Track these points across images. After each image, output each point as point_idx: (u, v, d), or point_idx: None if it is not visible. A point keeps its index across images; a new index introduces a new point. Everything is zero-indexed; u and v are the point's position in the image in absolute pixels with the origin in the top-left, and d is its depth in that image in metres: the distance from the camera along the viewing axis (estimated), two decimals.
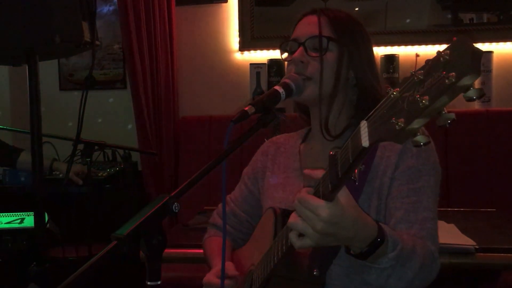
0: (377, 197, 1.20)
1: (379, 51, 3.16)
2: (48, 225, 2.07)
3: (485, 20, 3.22)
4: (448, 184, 2.87)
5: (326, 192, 0.89)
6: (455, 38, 0.67)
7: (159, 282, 0.91)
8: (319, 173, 0.93)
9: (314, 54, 1.24)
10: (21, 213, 2.77)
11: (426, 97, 0.67)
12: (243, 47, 3.38)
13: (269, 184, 1.38)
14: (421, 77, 0.70)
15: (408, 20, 3.27)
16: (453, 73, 0.64)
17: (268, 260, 1.14)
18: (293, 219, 0.94)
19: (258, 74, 3.32)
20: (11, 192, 3.15)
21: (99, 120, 3.55)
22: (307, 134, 1.40)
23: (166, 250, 0.91)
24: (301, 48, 1.25)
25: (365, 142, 0.78)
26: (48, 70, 3.49)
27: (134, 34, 3.13)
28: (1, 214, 2.77)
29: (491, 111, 3.02)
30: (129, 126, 3.37)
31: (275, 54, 3.26)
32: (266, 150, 1.44)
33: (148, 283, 0.91)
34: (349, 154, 0.82)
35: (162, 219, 0.90)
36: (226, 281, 1.24)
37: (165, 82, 3.29)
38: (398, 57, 3.13)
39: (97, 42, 1.75)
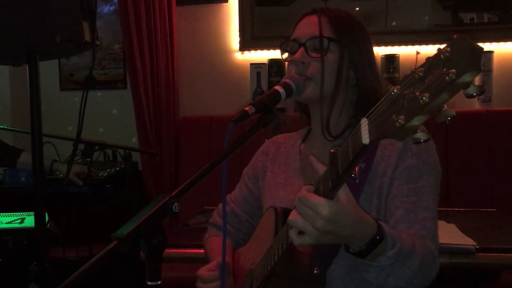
0: (377, 197, 1.20)
1: (380, 51, 3.16)
2: (48, 225, 2.07)
3: (485, 20, 3.22)
4: (448, 184, 2.86)
5: (327, 190, 0.90)
6: (455, 36, 0.67)
7: (159, 282, 0.91)
8: (323, 168, 0.93)
9: (315, 55, 1.24)
10: (21, 213, 2.78)
11: (426, 94, 0.67)
12: (244, 47, 3.38)
13: (270, 184, 1.38)
14: (422, 74, 0.70)
15: (408, 22, 3.26)
16: (453, 70, 0.64)
17: (268, 258, 1.14)
18: (293, 216, 0.95)
19: (258, 74, 3.32)
20: (12, 192, 3.15)
21: (100, 120, 3.55)
22: (307, 134, 1.40)
23: (167, 250, 0.91)
24: (301, 49, 1.25)
25: (365, 139, 0.78)
26: (49, 70, 3.49)
27: (134, 34, 3.13)
28: (2, 214, 2.77)
29: (492, 111, 3.02)
30: (130, 126, 3.37)
31: (276, 54, 3.26)
32: (266, 150, 1.44)
33: (148, 283, 0.91)
34: (349, 151, 0.83)
35: (162, 219, 0.90)
36: (214, 273, 1.24)
37: (165, 82, 3.29)
38: (399, 57, 3.12)
39: (98, 42, 1.75)
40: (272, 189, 1.36)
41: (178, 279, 2.26)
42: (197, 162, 3.06)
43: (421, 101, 0.68)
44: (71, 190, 2.84)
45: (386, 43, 3.20)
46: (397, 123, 0.71)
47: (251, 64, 3.35)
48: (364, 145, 0.78)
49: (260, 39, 3.34)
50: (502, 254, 1.79)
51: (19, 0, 1.56)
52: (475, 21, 3.23)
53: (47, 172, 2.71)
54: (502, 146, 2.91)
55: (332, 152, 0.89)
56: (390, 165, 1.20)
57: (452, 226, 1.99)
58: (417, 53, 0.79)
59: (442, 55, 0.67)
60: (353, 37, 1.26)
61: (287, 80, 1.19)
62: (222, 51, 3.43)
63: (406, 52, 3.19)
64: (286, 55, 1.30)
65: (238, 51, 3.40)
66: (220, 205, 1.53)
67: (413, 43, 3.18)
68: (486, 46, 3.12)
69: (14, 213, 2.78)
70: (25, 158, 2.64)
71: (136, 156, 3.31)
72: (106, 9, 3.56)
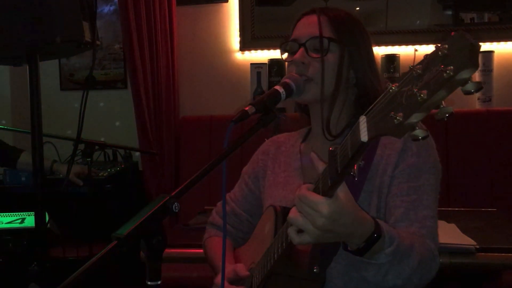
0: (377, 196, 1.20)
1: (380, 51, 3.16)
2: (48, 225, 2.07)
3: (486, 20, 3.22)
4: (448, 183, 2.86)
5: (326, 188, 0.90)
6: (453, 33, 0.67)
7: (159, 282, 0.91)
8: (322, 165, 0.93)
9: (315, 55, 1.24)
10: (21, 213, 2.78)
11: (424, 91, 0.68)
12: (244, 47, 3.38)
13: (270, 183, 1.38)
14: (420, 72, 0.70)
15: (408, 22, 3.26)
16: (451, 67, 0.65)
17: (268, 257, 1.14)
18: (293, 214, 0.95)
19: (258, 74, 3.32)
20: (12, 192, 3.15)
21: (100, 120, 3.55)
22: (307, 134, 1.40)
23: (167, 250, 0.91)
24: (301, 49, 1.25)
25: (364, 137, 0.78)
26: (49, 70, 3.50)
27: (134, 34, 3.13)
28: (2, 214, 2.77)
29: (492, 110, 3.02)
30: (130, 126, 3.37)
31: (276, 54, 3.26)
32: (267, 150, 1.44)
33: (148, 283, 0.91)
34: (348, 149, 0.83)
35: (162, 219, 0.91)
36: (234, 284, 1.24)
37: (165, 82, 3.29)
38: (399, 56, 3.12)
39: (98, 42, 1.75)
40: (272, 188, 1.36)
41: (178, 279, 2.26)
42: (197, 162, 3.06)
43: (419, 98, 0.68)
44: (71, 190, 2.84)
45: (386, 43, 3.19)
46: (395, 120, 0.71)
47: (251, 64, 3.35)
48: (363, 142, 0.79)
49: (260, 39, 3.34)
50: (503, 254, 1.79)
51: (19, 0, 1.56)
52: (476, 21, 3.23)
53: (47, 172, 2.71)
54: (503, 146, 2.91)
55: (331, 150, 0.89)
56: (390, 164, 1.20)
57: (453, 226, 1.99)
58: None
59: (440, 52, 0.67)
60: (353, 36, 1.26)
61: (287, 80, 1.19)
62: (222, 51, 3.43)
63: (406, 52, 3.19)
64: (286, 55, 1.30)
65: (238, 51, 3.40)
66: (219, 204, 1.53)
67: (413, 43, 3.18)
68: (487, 46, 3.12)
69: (14, 213, 2.78)
70: (25, 159, 2.64)
71: (136, 156, 3.31)
72: (106, 9, 3.56)
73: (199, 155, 3.16)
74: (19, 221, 2.71)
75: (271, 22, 3.38)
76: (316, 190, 0.92)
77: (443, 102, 0.68)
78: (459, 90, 0.67)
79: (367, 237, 0.97)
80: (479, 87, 0.65)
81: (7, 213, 2.77)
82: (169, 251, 1.04)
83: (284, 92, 1.15)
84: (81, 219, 2.78)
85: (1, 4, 1.56)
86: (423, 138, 0.70)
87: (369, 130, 0.78)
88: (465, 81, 0.65)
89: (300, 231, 0.95)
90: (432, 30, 3.20)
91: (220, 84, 3.43)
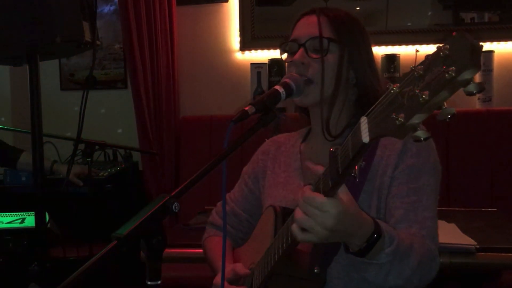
0: (377, 196, 1.20)
1: (380, 51, 3.16)
2: (48, 225, 2.07)
3: (486, 20, 3.22)
4: (449, 183, 2.86)
5: (327, 188, 0.90)
6: (454, 33, 0.67)
7: (159, 282, 0.91)
8: (320, 169, 0.93)
9: (315, 56, 1.24)
10: (21, 213, 2.78)
11: (426, 92, 0.67)
12: (244, 46, 3.37)
13: (270, 183, 1.38)
14: (421, 72, 0.70)
15: (408, 22, 3.26)
16: (453, 68, 0.64)
17: (268, 258, 1.14)
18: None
19: (258, 73, 3.32)
20: (12, 192, 3.15)
21: (100, 120, 3.55)
22: (307, 134, 1.40)
23: (167, 250, 0.91)
24: (301, 50, 1.24)
25: (365, 137, 0.78)
26: (49, 70, 3.49)
27: (134, 34, 3.13)
28: (2, 214, 2.77)
29: (492, 110, 3.02)
30: (130, 126, 3.37)
31: (276, 53, 3.26)
32: (267, 150, 1.44)
33: (149, 282, 0.91)
34: (349, 150, 0.83)
35: (162, 219, 0.90)
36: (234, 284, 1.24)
37: (165, 82, 3.29)
38: (399, 56, 3.12)
39: (98, 42, 1.75)
40: (272, 188, 1.36)
41: (178, 279, 2.27)
42: (197, 162, 3.06)
43: (421, 99, 0.68)
44: (72, 190, 2.84)
45: (386, 43, 3.19)
46: (397, 121, 0.71)
47: (251, 64, 3.35)
48: (364, 143, 0.79)
49: (260, 39, 3.34)
50: (503, 254, 1.79)
51: (19, 0, 1.56)
52: (476, 20, 3.23)
53: (48, 172, 2.71)
54: (503, 146, 2.91)
55: (332, 150, 0.89)
56: (390, 164, 1.19)
57: (453, 226, 1.99)
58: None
59: (442, 53, 0.67)
60: (353, 37, 1.26)
61: (287, 80, 1.19)
62: (222, 51, 3.43)
63: (406, 51, 3.19)
64: (285, 55, 1.30)
65: (238, 51, 3.40)
66: (219, 204, 1.53)
67: (413, 42, 3.18)
68: (487, 46, 3.12)
69: (14, 213, 2.78)
70: (26, 159, 2.64)
71: (136, 156, 3.31)
72: (106, 9, 3.56)
73: (199, 155, 3.16)
74: (19, 221, 2.71)
75: (271, 22, 3.38)
76: (316, 191, 0.92)
77: (445, 103, 0.68)
78: (459, 90, 0.67)
79: (367, 237, 0.97)
80: (481, 88, 0.65)
81: (7, 213, 2.77)
82: (169, 251, 1.05)
83: (284, 92, 1.15)
84: (81, 219, 2.78)
85: (1, 4, 1.56)
86: (425, 139, 0.70)
87: (370, 131, 0.77)
88: (467, 82, 0.65)
89: (304, 229, 0.94)
90: (432, 30, 3.20)
91: (220, 84, 3.43)
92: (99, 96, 3.54)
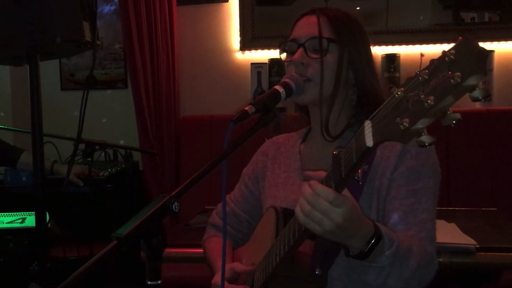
0: (377, 198, 1.20)
1: (380, 51, 3.16)
2: (49, 224, 2.07)
3: (486, 19, 3.22)
4: (449, 183, 2.86)
5: None
6: (460, 38, 0.67)
7: (159, 282, 0.91)
8: (321, 175, 0.93)
9: (314, 56, 1.23)
10: (22, 213, 2.78)
11: (431, 97, 0.67)
12: (244, 46, 3.37)
13: (270, 184, 1.38)
14: (426, 77, 0.70)
15: (409, 22, 3.26)
16: (459, 73, 0.64)
17: (269, 259, 1.14)
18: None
19: (259, 73, 3.32)
20: (12, 191, 3.15)
21: (100, 120, 3.55)
22: (307, 134, 1.40)
23: (167, 250, 0.91)
24: (301, 49, 1.24)
25: (369, 142, 0.78)
26: (49, 70, 3.49)
27: (135, 34, 3.13)
28: (2, 214, 2.77)
29: (493, 110, 3.02)
30: (130, 126, 3.37)
31: (276, 53, 3.25)
32: (266, 150, 1.44)
33: (149, 282, 0.91)
34: (353, 154, 0.83)
35: (162, 219, 0.91)
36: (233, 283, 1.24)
37: (166, 81, 3.29)
38: (399, 56, 3.12)
39: (98, 42, 1.75)
40: (273, 189, 1.36)
41: (178, 279, 2.27)
42: (197, 162, 3.06)
43: (426, 104, 0.67)
44: (72, 190, 2.84)
45: (386, 43, 3.19)
46: (401, 126, 0.70)
47: (251, 63, 3.35)
48: (368, 147, 0.78)
49: (260, 38, 3.34)
50: (503, 254, 1.79)
51: (19, 0, 1.56)
52: (476, 20, 3.23)
53: (48, 173, 2.71)
54: (503, 145, 2.91)
55: (335, 154, 0.88)
56: (389, 166, 1.19)
57: (453, 226, 1.99)
58: (422, 55, 0.78)
59: (447, 58, 0.67)
60: (352, 37, 1.26)
61: (287, 80, 1.19)
62: (222, 51, 3.43)
63: (406, 51, 3.19)
64: (284, 55, 1.30)
65: (238, 51, 3.40)
66: (219, 205, 1.53)
67: (413, 42, 3.18)
68: (487, 46, 3.12)
69: (15, 213, 2.78)
70: (26, 159, 2.64)
71: (136, 156, 3.31)
72: (106, 9, 3.56)
73: (199, 155, 3.16)
74: (19, 221, 2.71)
75: (271, 22, 3.38)
76: None
77: (450, 109, 0.68)
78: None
79: (367, 240, 0.96)
80: (486, 94, 0.65)
81: (7, 213, 2.77)
82: (169, 250, 1.05)
83: (284, 92, 1.15)
84: (82, 219, 2.78)
85: (1, 4, 1.56)
86: (430, 144, 0.70)
87: (374, 135, 0.77)
88: (473, 88, 0.64)
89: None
90: (433, 29, 3.20)
91: (221, 84, 3.43)
92: (99, 96, 3.54)
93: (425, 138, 0.70)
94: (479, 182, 2.89)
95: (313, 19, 1.25)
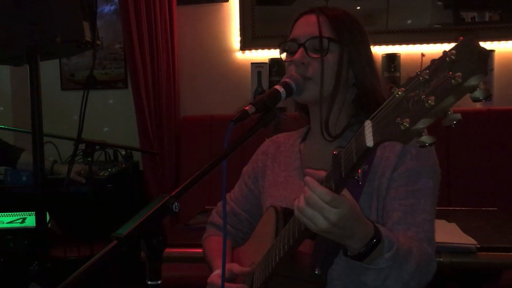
0: (376, 198, 1.20)
1: (381, 50, 3.15)
2: (49, 224, 2.07)
3: (487, 19, 3.22)
4: (449, 183, 2.86)
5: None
6: (461, 38, 0.67)
7: (159, 282, 0.91)
8: (321, 174, 0.93)
9: (314, 55, 1.23)
10: (22, 213, 2.78)
11: (432, 98, 0.67)
12: (244, 46, 3.37)
13: (270, 183, 1.38)
14: (427, 77, 0.69)
15: (409, 21, 3.26)
16: (460, 74, 0.64)
17: (269, 259, 1.14)
18: (302, 203, 0.92)
19: (259, 73, 3.32)
20: (13, 191, 3.15)
21: (101, 120, 3.55)
22: (307, 133, 1.40)
23: (167, 250, 0.91)
24: (301, 49, 1.24)
25: (369, 142, 0.78)
26: (50, 70, 3.49)
27: (135, 34, 3.13)
28: (3, 213, 2.77)
29: (493, 110, 3.01)
30: (130, 126, 3.37)
31: (276, 53, 3.26)
32: (266, 150, 1.44)
33: (149, 282, 0.91)
34: (353, 153, 0.83)
35: (162, 219, 0.90)
36: (230, 282, 1.24)
37: (166, 81, 3.29)
38: (400, 56, 3.12)
39: (98, 42, 1.75)
40: (273, 188, 1.36)
41: (179, 279, 2.27)
42: (198, 162, 3.06)
43: (426, 105, 0.67)
44: (72, 190, 2.84)
45: (387, 42, 3.19)
46: (402, 126, 0.70)
47: (252, 63, 3.35)
48: (368, 147, 0.78)
49: (261, 38, 3.34)
50: (503, 253, 1.79)
51: (19, 0, 1.56)
52: (476, 20, 3.23)
53: (48, 173, 2.71)
54: (503, 145, 2.91)
55: (335, 154, 0.88)
56: (389, 166, 1.19)
57: (453, 225, 1.99)
58: (422, 55, 0.79)
59: (448, 58, 0.66)
60: (352, 36, 1.25)
61: (287, 80, 1.19)
62: (222, 51, 3.43)
63: (407, 51, 3.19)
64: (284, 55, 1.30)
65: (239, 51, 3.40)
66: (219, 204, 1.53)
67: (414, 42, 3.18)
68: (487, 45, 3.12)
69: (15, 213, 2.78)
70: (26, 158, 2.64)
71: (137, 156, 3.31)
72: (106, 9, 3.56)
73: (199, 155, 3.16)
74: (20, 221, 2.71)
75: (271, 22, 3.38)
76: None
77: (451, 109, 0.67)
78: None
79: (367, 241, 0.96)
80: (487, 94, 0.65)
81: (8, 213, 2.77)
82: (169, 250, 1.05)
83: (284, 92, 1.15)
84: (82, 219, 2.78)
85: (1, 4, 1.56)
86: (430, 144, 0.70)
87: (374, 135, 0.77)
88: (474, 88, 0.64)
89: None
90: (433, 29, 3.20)
91: (221, 84, 3.43)
92: (99, 96, 3.54)
93: (426, 139, 0.70)
94: (479, 182, 2.89)
95: (312, 18, 1.25)
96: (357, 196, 1.16)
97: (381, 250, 0.98)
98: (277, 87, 1.15)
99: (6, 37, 1.58)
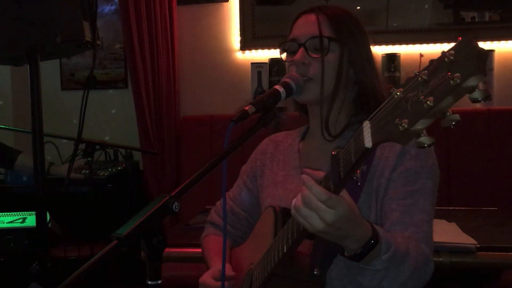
0: (375, 198, 1.20)
1: (381, 50, 3.15)
2: (49, 224, 2.07)
3: (487, 19, 3.21)
4: (449, 182, 2.86)
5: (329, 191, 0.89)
6: (460, 38, 0.67)
7: (159, 282, 0.91)
8: (319, 174, 0.93)
9: (315, 55, 1.23)
10: (22, 213, 2.78)
11: (431, 98, 0.67)
12: (244, 46, 3.37)
13: (269, 182, 1.38)
14: (425, 78, 0.69)
15: (409, 21, 3.26)
16: (458, 74, 0.64)
17: (268, 259, 1.14)
18: (299, 203, 0.92)
19: (259, 73, 3.32)
20: (13, 191, 3.15)
21: (101, 120, 3.55)
22: (305, 132, 1.40)
23: (167, 250, 0.91)
24: (301, 49, 1.24)
25: (368, 142, 0.78)
26: (50, 69, 3.50)
27: (135, 34, 3.14)
28: (3, 213, 2.77)
29: (493, 109, 3.01)
30: (131, 126, 3.37)
31: (276, 53, 3.26)
32: (265, 148, 1.44)
33: (149, 282, 0.91)
34: (351, 154, 0.82)
35: (162, 219, 0.91)
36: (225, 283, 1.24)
37: (166, 81, 3.29)
38: (400, 56, 3.12)
39: (98, 42, 1.75)
40: (271, 187, 1.36)
41: (179, 278, 2.27)
42: (198, 162, 3.06)
43: (425, 105, 0.67)
44: (72, 190, 2.84)
45: (387, 42, 3.19)
46: (400, 127, 0.70)
47: (252, 63, 3.35)
48: (367, 148, 0.78)
49: (261, 38, 3.34)
50: (503, 253, 1.79)
51: (19, 0, 1.56)
52: (476, 19, 3.23)
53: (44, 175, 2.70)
54: (503, 145, 2.91)
55: (334, 154, 0.88)
56: (388, 166, 1.19)
57: (453, 225, 1.99)
58: (421, 55, 0.79)
59: (447, 59, 0.66)
60: (352, 35, 1.25)
61: (287, 80, 1.19)
62: (223, 51, 3.43)
63: (407, 51, 3.19)
64: (285, 54, 1.30)
65: (239, 51, 3.40)
66: (218, 203, 1.53)
67: (414, 42, 3.18)
68: (487, 45, 3.12)
69: (15, 213, 2.78)
70: (23, 160, 2.64)
71: (137, 156, 3.31)
72: (106, 8, 3.56)
73: (199, 155, 3.16)
74: (20, 220, 2.71)
75: (271, 22, 3.38)
76: None
77: (449, 110, 0.67)
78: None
79: (364, 242, 0.96)
80: (486, 95, 0.64)
81: (8, 213, 2.77)
82: (169, 250, 1.05)
83: (284, 92, 1.15)
84: (82, 219, 2.78)
85: (1, 4, 1.56)
86: (429, 145, 0.70)
87: (373, 135, 0.77)
88: (472, 89, 0.64)
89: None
90: (433, 29, 3.20)
91: (221, 84, 3.44)
92: (99, 96, 3.54)
93: (425, 139, 0.70)
94: (479, 181, 2.89)
95: (312, 17, 1.25)
96: (356, 196, 1.16)
97: (379, 251, 0.98)
98: (277, 87, 1.15)
99: (6, 37, 1.58)
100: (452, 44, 0.69)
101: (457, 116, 0.67)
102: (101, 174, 3.07)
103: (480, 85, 0.64)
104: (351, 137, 0.86)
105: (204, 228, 1.57)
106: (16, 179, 3.16)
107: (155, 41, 3.22)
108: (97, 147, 2.70)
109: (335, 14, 1.26)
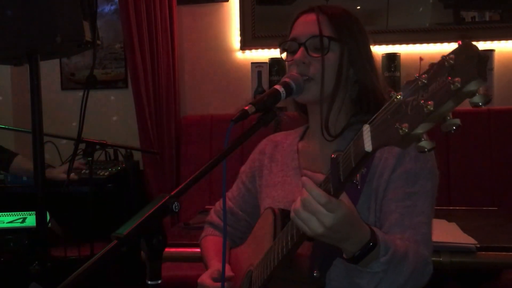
0: (374, 199, 1.19)
1: (381, 50, 3.15)
2: (49, 224, 2.07)
3: (487, 19, 3.21)
4: (449, 182, 2.86)
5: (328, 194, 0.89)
6: (460, 42, 0.66)
7: (159, 281, 0.91)
8: (319, 177, 0.93)
9: (315, 55, 1.23)
10: (22, 213, 2.78)
11: (431, 102, 0.66)
12: (244, 46, 3.37)
13: (267, 183, 1.38)
14: (425, 81, 0.69)
15: (409, 21, 3.26)
16: (459, 79, 0.63)
17: (268, 261, 1.14)
18: (298, 205, 0.92)
19: (259, 73, 3.32)
20: (13, 191, 3.15)
21: (101, 120, 3.55)
22: (305, 132, 1.39)
23: (167, 249, 0.91)
24: (302, 49, 1.24)
25: (368, 146, 0.78)
26: (50, 69, 3.50)
27: (135, 34, 3.14)
28: (3, 213, 2.77)
29: (493, 109, 3.01)
30: (131, 126, 3.37)
31: (276, 53, 3.25)
32: (263, 149, 1.44)
33: (149, 282, 0.91)
34: (351, 158, 0.82)
35: (162, 219, 0.91)
36: (218, 284, 1.24)
37: (166, 81, 3.29)
38: (400, 55, 3.12)
39: (98, 42, 1.75)
40: (270, 188, 1.36)
41: (179, 278, 2.27)
42: (198, 161, 3.06)
43: (425, 110, 0.67)
44: (72, 190, 2.84)
45: (387, 42, 3.19)
46: (400, 131, 0.70)
47: (252, 63, 3.35)
48: (367, 152, 0.78)
49: (261, 38, 3.34)
50: (503, 253, 1.78)
51: (19, 0, 1.56)
52: (477, 19, 3.23)
53: None
54: (503, 145, 2.91)
55: (333, 157, 0.88)
56: (387, 167, 1.19)
57: (453, 225, 1.99)
58: (421, 59, 0.78)
59: (447, 63, 0.66)
60: (352, 34, 1.25)
61: (287, 79, 1.19)
62: (223, 50, 3.43)
63: (407, 51, 3.18)
64: (285, 54, 1.30)
65: (239, 50, 3.40)
66: (217, 203, 1.53)
67: (414, 41, 3.18)
68: (487, 45, 3.12)
69: (15, 213, 2.78)
70: (18, 163, 2.64)
71: (137, 156, 3.31)
72: (107, 8, 3.56)
73: (199, 155, 3.16)
74: (20, 220, 2.72)
75: (271, 21, 3.38)
76: None
77: (450, 114, 0.67)
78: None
79: (363, 244, 0.96)
80: (487, 100, 0.64)
81: (8, 213, 2.77)
82: (169, 250, 1.05)
83: (284, 91, 1.15)
84: (82, 219, 2.78)
85: (1, 4, 1.56)
86: (429, 150, 0.69)
87: (373, 139, 0.77)
88: (473, 93, 0.64)
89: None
90: (433, 29, 3.20)
91: (221, 83, 3.44)
92: (99, 96, 3.54)
93: (425, 144, 0.69)
94: (479, 181, 2.89)
95: (312, 17, 1.25)
96: (355, 198, 1.16)
97: (377, 254, 0.98)
98: (277, 86, 1.15)
99: (7, 37, 1.58)
100: (452, 44, 0.68)
101: (457, 121, 0.67)
102: (101, 174, 3.07)
103: (481, 89, 0.64)
104: (351, 137, 0.86)
105: (203, 228, 1.57)
106: (16, 179, 3.16)
107: (155, 41, 3.22)
108: (97, 147, 2.70)
109: (335, 14, 1.26)
